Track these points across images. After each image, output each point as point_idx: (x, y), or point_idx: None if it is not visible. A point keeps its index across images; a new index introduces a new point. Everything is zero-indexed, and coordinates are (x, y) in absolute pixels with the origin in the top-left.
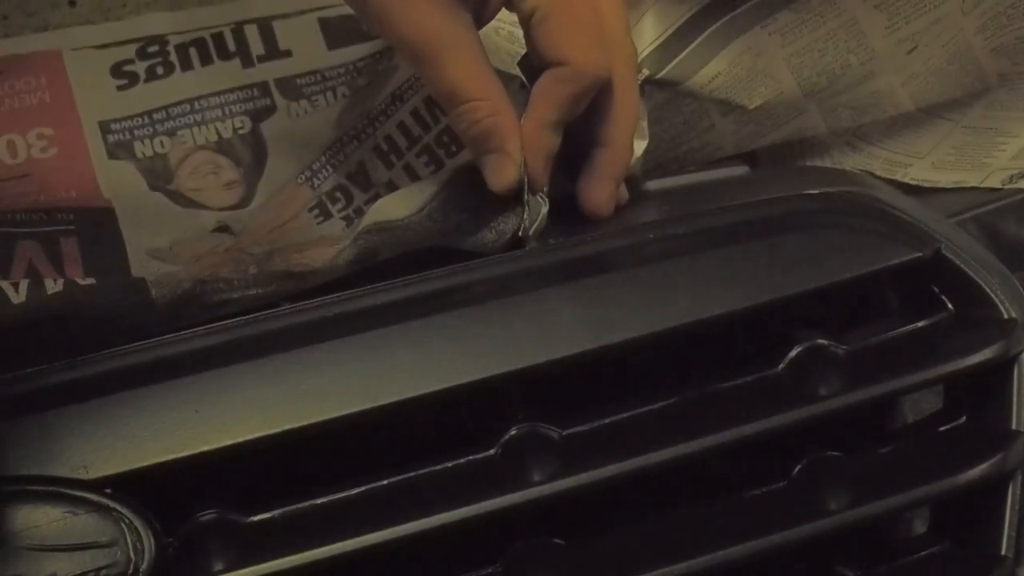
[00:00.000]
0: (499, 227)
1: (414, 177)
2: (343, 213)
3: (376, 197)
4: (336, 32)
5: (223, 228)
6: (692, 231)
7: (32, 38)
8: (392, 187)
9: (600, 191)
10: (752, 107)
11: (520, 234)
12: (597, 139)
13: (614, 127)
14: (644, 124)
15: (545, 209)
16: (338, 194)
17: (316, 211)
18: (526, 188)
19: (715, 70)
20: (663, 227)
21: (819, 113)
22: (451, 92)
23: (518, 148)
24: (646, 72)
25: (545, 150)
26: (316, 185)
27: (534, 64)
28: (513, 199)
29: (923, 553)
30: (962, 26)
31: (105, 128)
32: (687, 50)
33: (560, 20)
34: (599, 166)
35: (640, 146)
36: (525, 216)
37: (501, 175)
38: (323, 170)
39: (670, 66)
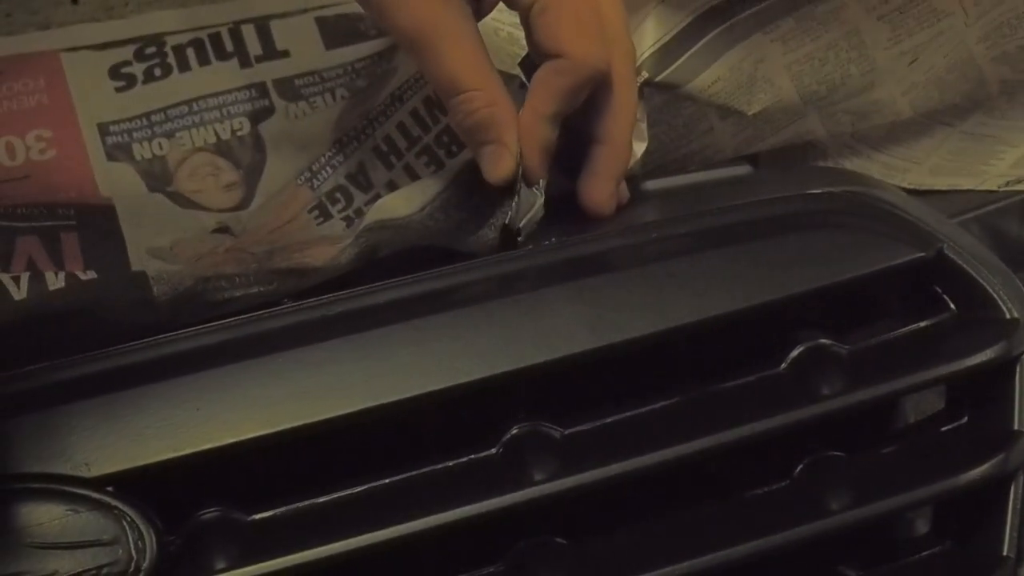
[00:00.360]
0: (498, 223)
1: (414, 177)
2: (343, 214)
3: (376, 198)
4: (334, 32)
5: (223, 229)
6: (694, 230)
7: (30, 37)
8: (392, 188)
9: (600, 190)
10: (751, 112)
11: (509, 223)
12: (596, 136)
13: (613, 123)
14: (643, 126)
15: (540, 202)
16: (338, 195)
17: (316, 212)
18: (519, 179)
19: (715, 75)
20: (665, 226)
21: (818, 118)
22: (449, 82)
23: (515, 139)
24: (645, 75)
25: (542, 142)
26: (316, 186)
27: (535, 63)
28: (509, 191)
29: (925, 553)
30: (964, 37)
31: (104, 130)
32: (687, 54)
33: (559, 13)
34: (599, 163)
35: (640, 148)
36: (515, 206)
37: (497, 166)
38: (323, 171)
39: (670, 69)
